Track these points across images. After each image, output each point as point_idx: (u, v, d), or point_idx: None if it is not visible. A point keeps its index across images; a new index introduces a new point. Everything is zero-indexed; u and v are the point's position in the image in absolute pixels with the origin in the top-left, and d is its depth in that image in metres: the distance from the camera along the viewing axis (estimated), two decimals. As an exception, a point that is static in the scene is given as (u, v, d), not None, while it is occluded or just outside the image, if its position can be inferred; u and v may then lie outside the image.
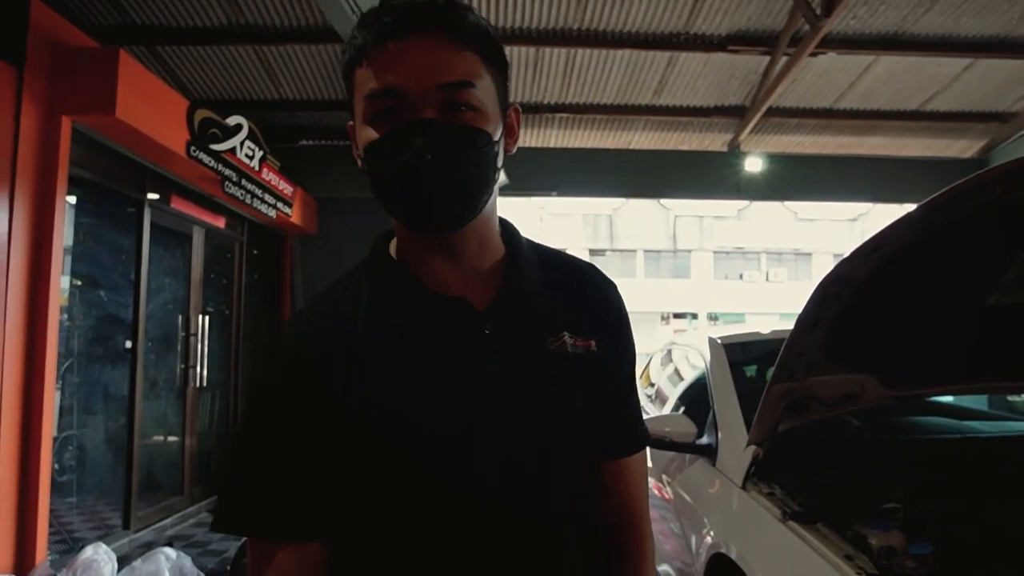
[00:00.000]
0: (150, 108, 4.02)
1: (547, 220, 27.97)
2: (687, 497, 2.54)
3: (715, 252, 28.69)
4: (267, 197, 5.70)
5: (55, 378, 3.68)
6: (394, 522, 0.73)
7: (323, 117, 6.56)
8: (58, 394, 3.89)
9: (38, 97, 3.51)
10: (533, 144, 7.49)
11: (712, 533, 2.13)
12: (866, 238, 1.48)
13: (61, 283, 3.81)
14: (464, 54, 0.72)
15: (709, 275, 28.48)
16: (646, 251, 28.41)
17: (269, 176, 5.70)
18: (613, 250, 28.31)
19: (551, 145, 7.54)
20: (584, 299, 0.86)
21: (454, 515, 0.73)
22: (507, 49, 4.11)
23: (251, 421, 0.74)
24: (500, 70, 0.77)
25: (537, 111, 6.64)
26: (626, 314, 0.90)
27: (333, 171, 6.86)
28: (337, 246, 7.02)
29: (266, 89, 5.94)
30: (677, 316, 27.81)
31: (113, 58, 3.69)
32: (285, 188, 6.05)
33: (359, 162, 0.76)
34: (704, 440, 2.44)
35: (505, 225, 0.86)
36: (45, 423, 3.52)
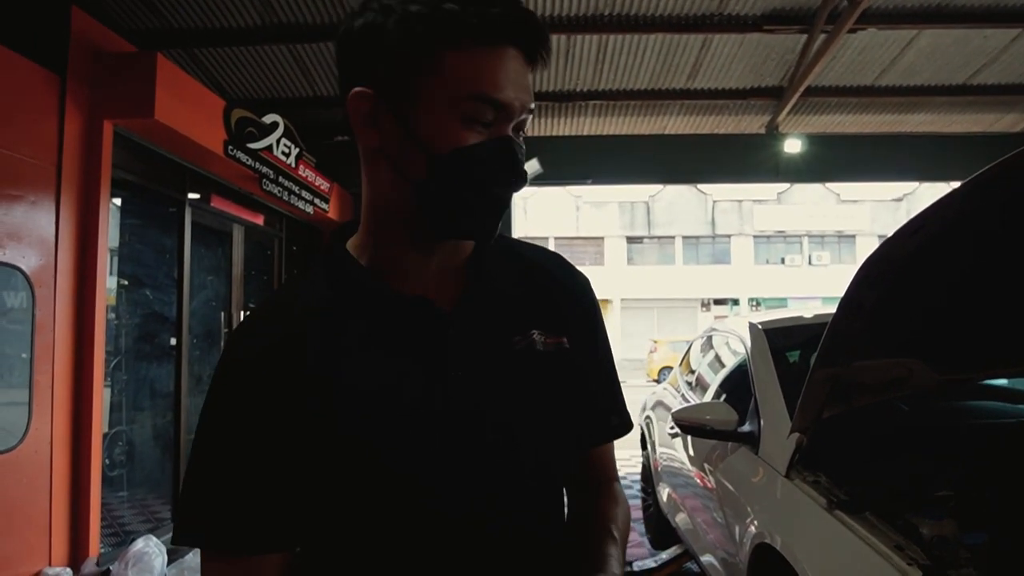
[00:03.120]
0: (188, 109, 4.10)
1: (583, 209, 27.80)
2: (729, 486, 2.49)
3: (755, 237, 28.12)
4: (304, 193, 5.78)
5: (103, 376, 3.79)
6: (361, 531, 0.71)
7: (356, 113, 6.60)
8: (107, 391, 4.02)
9: (80, 102, 3.61)
10: (566, 132, 7.43)
11: (756, 523, 2.08)
12: (910, 217, 1.42)
13: (108, 283, 3.92)
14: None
15: (750, 260, 27.95)
16: (684, 237, 28.00)
17: (306, 172, 5.77)
18: (651, 237, 27.98)
19: (585, 133, 7.47)
20: (554, 294, 0.83)
21: (423, 522, 0.70)
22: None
23: (212, 430, 0.70)
24: None
25: (570, 99, 6.57)
26: (597, 305, 0.89)
27: (367, 166, 6.89)
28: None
29: (301, 87, 6.01)
30: (718, 302, 27.38)
31: (151, 62, 3.77)
32: (322, 184, 6.12)
33: (377, 145, 0.71)
34: (746, 428, 2.39)
35: None
36: (95, 420, 3.64)
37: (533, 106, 0.72)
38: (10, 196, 3.23)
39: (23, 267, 3.30)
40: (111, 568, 3.34)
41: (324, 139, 6.60)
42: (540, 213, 27.16)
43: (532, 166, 7.10)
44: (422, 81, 0.67)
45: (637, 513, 4.97)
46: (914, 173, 8.09)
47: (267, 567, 0.69)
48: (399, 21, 0.67)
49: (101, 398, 3.74)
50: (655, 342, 19.22)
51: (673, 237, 27.94)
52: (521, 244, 0.87)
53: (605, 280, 26.92)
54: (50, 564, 3.37)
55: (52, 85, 3.47)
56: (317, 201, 6.04)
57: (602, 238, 27.80)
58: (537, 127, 7.38)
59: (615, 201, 27.66)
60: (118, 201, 4.39)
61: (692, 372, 4.11)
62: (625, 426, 0.92)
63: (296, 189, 5.61)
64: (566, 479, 0.87)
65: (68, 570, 3.34)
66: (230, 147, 4.55)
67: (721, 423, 2.39)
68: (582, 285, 0.87)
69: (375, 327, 0.72)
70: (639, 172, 7.71)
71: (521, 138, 0.73)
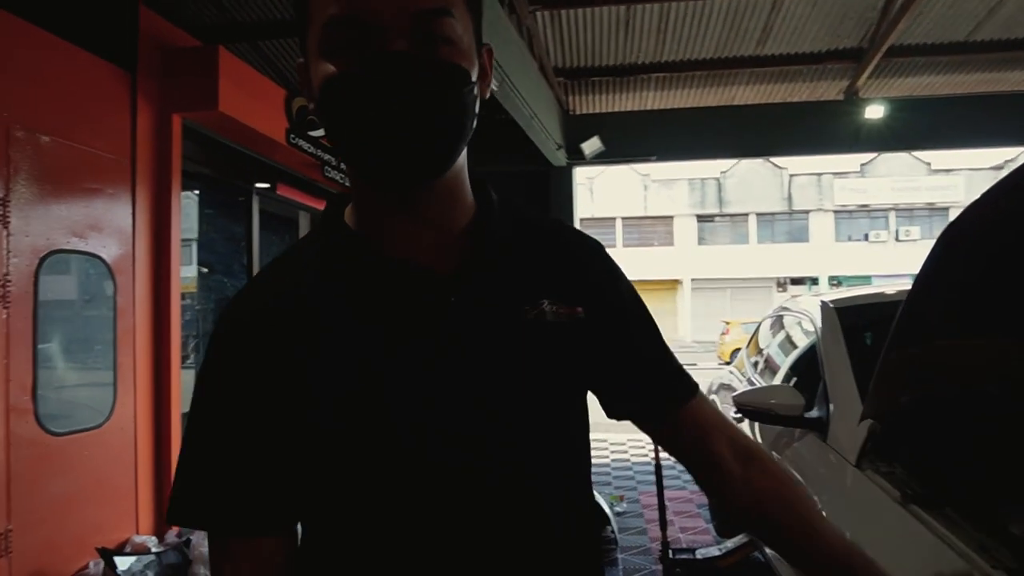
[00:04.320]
0: (250, 100, 4.19)
1: (651, 188, 27.23)
2: (797, 471, 2.36)
3: (836, 212, 26.82)
4: (366, 180, 5.85)
5: (181, 358, 3.98)
6: (362, 510, 0.67)
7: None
8: (187, 372, 4.21)
9: (150, 97, 3.76)
10: (628, 108, 7.24)
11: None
12: (1001, 177, 1.27)
13: (187, 270, 4.10)
14: None
15: (830, 237, 26.72)
16: (759, 215, 26.99)
17: (367, 159, 5.84)
18: (723, 215, 27.13)
19: (648, 107, 7.25)
20: (567, 263, 0.77)
21: (425, 500, 0.66)
22: (596, 10, 3.87)
23: (201, 407, 0.69)
24: (476, 2, 0.69)
25: (631, 73, 6.39)
26: (619, 270, 0.82)
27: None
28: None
29: (361, 74, 6.07)
30: (795, 282, 26.34)
31: (214, 55, 3.87)
32: (383, 170, 6.19)
33: (311, 105, 0.68)
34: (813, 413, 2.25)
35: (477, 183, 0.77)
36: (174, 399, 3.84)
37: (435, 6, 0.62)
38: (90, 189, 3.40)
39: (104, 256, 3.47)
40: (191, 538, 3.52)
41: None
42: (606, 193, 26.77)
43: (593, 144, 6.96)
44: (305, 36, 0.66)
45: (702, 499, 4.84)
46: (1015, 137, 7.44)
47: (268, 547, 0.68)
48: None
49: (179, 378, 3.93)
50: (727, 323, 18.67)
51: (747, 214, 26.98)
52: (527, 211, 0.81)
53: (675, 260, 26.35)
54: (137, 532, 3.59)
55: (124, 82, 3.62)
56: (380, 186, 6.11)
57: (671, 217, 27.15)
58: (597, 103, 7.22)
59: (684, 178, 26.93)
60: (191, 192, 4.57)
61: (760, 353, 3.93)
62: (687, 386, 0.84)
63: (358, 175, 5.68)
64: (698, 464, 0.84)
65: (154, 538, 3.54)
66: (292, 135, 4.65)
67: (786, 408, 2.26)
68: (594, 250, 0.81)
69: (368, 297, 0.68)
70: (707, 147, 7.43)
71: (450, 48, 0.63)
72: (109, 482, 3.46)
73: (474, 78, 0.66)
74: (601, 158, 7.25)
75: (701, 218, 27.22)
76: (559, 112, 7.00)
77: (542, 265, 0.75)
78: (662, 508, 3.77)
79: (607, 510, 4.22)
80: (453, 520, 0.67)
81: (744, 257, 26.34)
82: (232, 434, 0.67)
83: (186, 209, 4.70)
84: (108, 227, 3.51)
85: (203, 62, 3.85)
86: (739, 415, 3.04)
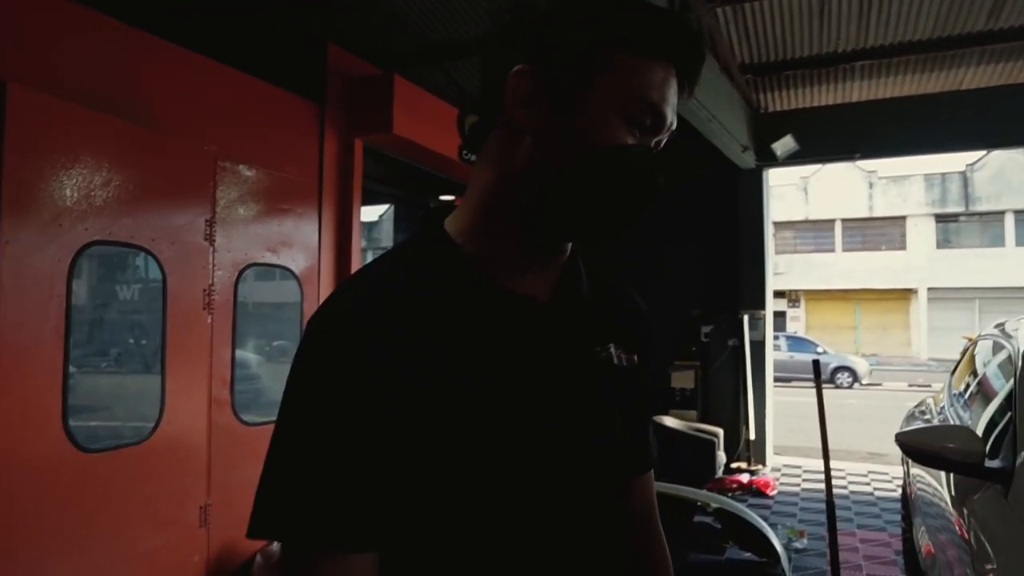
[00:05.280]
0: (422, 122, 4.48)
1: (878, 185, 24.32)
2: (979, 531, 1.95)
3: None
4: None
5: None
6: (453, 524, 0.68)
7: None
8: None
9: (336, 125, 4.20)
10: (827, 101, 6.55)
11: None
12: None
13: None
14: None
15: (1123, 238, 21.79)
16: (1018, 212, 22.85)
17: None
18: (969, 214, 23.36)
19: (850, 100, 6.51)
20: (627, 313, 0.88)
21: (516, 513, 0.70)
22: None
23: (301, 409, 0.67)
24: None
25: (830, 63, 5.78)
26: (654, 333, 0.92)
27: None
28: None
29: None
30: (1068, 292, 21.85)
31: (389, 83, 4.22)
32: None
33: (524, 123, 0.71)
34: (996, 463, 1.85)
35: None
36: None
37: (675, 129, 0.75)
38: (283, 210, 3.89)
39: (293, 268, 3.95)
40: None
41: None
42: (823, 193, 24.42)
43: (785, 143, 6.42)
44: (595, 72, 0.70)
45: (897, 543, 4.21)
46: None
47: (364, 567, 0.64)
48: (587, 11, 0.72)
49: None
50: (969, 339, 16.02)
51: (1002, 213, 22.93)
52: (597, 266, 0.89)
53: (908, 267, 23.24)
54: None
55: (313, 113, 4.08)
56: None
57: (903, 218, 23.96)
58: (791, 99, 6.65)
59: (919, 174, 23.61)
60: (388, 206, 5.02)
61: (975, 375, 3.31)
62: (651, 456, 0.92)
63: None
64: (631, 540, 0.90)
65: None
66: (464, 152, 4.88)
67: (960, 453, 1.88)
68: (642, 308, 0.91)
69: (477, 323, 0.71)
70: (926, 139, 6.46)
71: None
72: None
73: None
74: (795, 158, 6.64)
75: (941, 218, 23.67)
76: (747, 111, 6.55)
77: (608, 312, 0.84)
78: (834, 551, 3.38)
79: (777, 546, 3.84)
80: (547, 536, 0.73)
81: (998, 263, 22.44)
82: (335, 444, 0.64)
83: (385, 223, 5.09)
84: (297, 242, 3.98)
85: (379, 89, 4.21)
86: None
